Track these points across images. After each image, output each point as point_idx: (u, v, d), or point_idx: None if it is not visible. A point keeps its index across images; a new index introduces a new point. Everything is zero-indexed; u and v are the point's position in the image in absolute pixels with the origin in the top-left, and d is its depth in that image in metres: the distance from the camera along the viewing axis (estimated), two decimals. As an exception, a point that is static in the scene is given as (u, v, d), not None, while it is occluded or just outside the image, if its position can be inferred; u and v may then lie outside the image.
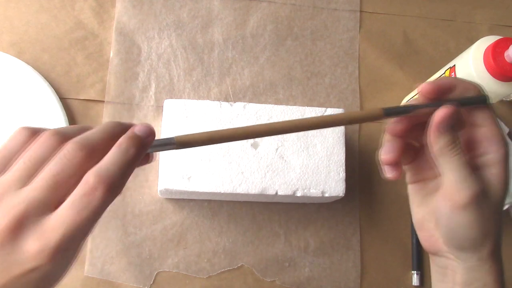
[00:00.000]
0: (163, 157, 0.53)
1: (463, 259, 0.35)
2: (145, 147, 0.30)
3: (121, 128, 0.30)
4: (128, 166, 0.28)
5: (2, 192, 0.26)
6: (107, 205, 0.27)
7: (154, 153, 0.33)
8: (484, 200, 0.34)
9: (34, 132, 0.28)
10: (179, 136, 0.32)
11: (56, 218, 0.26)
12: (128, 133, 0.29)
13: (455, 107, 0.34)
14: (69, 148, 0.27)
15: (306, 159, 0.54)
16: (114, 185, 0.27)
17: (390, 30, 0.67)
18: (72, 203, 0.26)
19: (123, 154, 0.28)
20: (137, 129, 0.29)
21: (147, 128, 0.30)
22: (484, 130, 0.35)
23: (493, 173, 0.35)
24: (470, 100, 0.36)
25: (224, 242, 0.57)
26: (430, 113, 0.34)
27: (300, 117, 0.55)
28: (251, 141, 0.54)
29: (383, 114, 0.34)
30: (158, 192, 0.55)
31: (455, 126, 0.34)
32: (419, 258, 0.59)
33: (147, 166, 0.59)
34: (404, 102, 0.63)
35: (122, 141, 0.29)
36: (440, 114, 0.33)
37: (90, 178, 0.27)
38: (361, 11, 0.67)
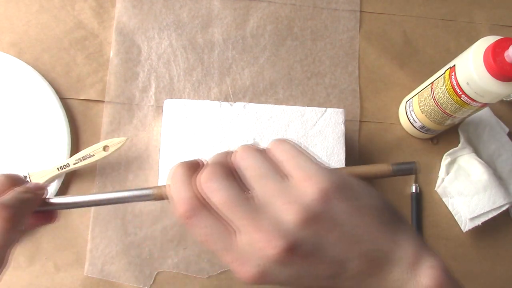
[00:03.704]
0: (163, 157, 0.53)
1: None
2: (38, 196, 0.34)
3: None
4: (24, 202, 0.32)
5: None
6: (10, 234, 0.31)
7: (58, 213, 0.36)
8: None
9: None
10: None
11: None
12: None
13: None
14: None
15: (306, 159, 0.54)
16: (14, 214, 0.31)
17: (390, 30, 0.67)
18: None
19: (20, 193, 0.33)
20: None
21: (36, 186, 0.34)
22: None
23: None
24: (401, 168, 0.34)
25: (224, 242, 0.57)
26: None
27: (300, 117, 0.55)
28: (251, 141, 0.54)
29: (391, 171, 0.32)
30: (158, 192, 0.55)
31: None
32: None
33: (147, 166, 0.59)
34: (404, 102, 0.63)
35: (17, 188, 0.33)
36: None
37: None
38: (361, 11, 0.67)
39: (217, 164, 0.29)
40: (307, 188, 0.27)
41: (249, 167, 0.29)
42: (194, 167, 0.30)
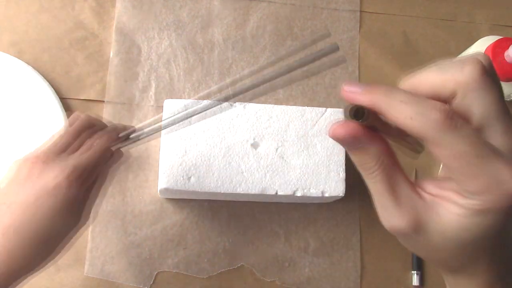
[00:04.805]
0: (163, 157, 0.53)
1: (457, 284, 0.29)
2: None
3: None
4: (111, 140, 0.42)
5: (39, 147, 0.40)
6: (106, 151, 0.40)
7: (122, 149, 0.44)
8: (411, 238, 0.27)
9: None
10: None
11: (71, 156, 0.39)
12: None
13: None
14: (74, 116, 0.42)
15: (306, 159, 0.54)
16: (111, 138, 0.41)
17: (390, 30, 0.67)
18: (84, 145, 0.40)
19: (111, 128, 0.43)
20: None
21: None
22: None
23: (450, 214, 0.26)
24: (323, 53, 0.35)
25: (224, 242, 0.57)
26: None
27: (300, 117, 0.55)
28: (251, 141, 0.54)
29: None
30: (158, 192, 0.55)
31: (355, 144, 0.27)
32: (419, 258, 0.59)
33: (147, 166, 0.59)
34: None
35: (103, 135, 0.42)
36: (330, 132, 0.27)
37: (96, 135, 0.41)
38: (361, 11, 0.67)
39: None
40: None
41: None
42: None
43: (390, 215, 0.27)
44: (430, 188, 0.28)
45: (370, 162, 0.27)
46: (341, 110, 0.56)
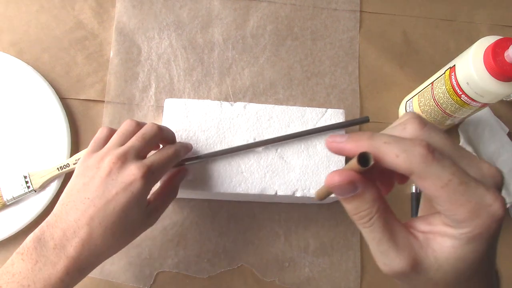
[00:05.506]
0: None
1: None
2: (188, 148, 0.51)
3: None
4: (181, 148, 0.49)
5: (112, 147, 0.44)
6: (173, 160, 0.46)
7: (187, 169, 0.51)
8: (412, 278, 0.28)
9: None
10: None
11: (148, 158, 0.44)
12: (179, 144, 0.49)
13: (342, 173, 0.27)
14: (150, 125, 0.46)
15: (306, 160, 0.54)
16: (179, 152, 0.47)
17: (390, 30, 0.67)
18: (157, 152, 0.46)
19: (180, 144, 0.49)
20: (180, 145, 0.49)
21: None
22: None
23: (444, 247, 0.27)
24: (354, 122, 0.49)
25: (224, 242, 0.57)
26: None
27: (300, 117, 0.55)
28: (251, 141, 0.54)
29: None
30: (158, 192, 0.55)
31: (352, 190, 0.27)
32: (419, 258, 0.59)
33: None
34: (404, 102, 0.63)
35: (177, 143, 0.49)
36: (326, 181, 0.28)
37: (167, 146, 0.47)
38: (361, 11, 0.67)
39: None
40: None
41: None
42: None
43: (391, 259, 0.28)
44: (420, 226, 0.29)
45: (367, 209, 0.28)
46: (341, 111, 0.56)
